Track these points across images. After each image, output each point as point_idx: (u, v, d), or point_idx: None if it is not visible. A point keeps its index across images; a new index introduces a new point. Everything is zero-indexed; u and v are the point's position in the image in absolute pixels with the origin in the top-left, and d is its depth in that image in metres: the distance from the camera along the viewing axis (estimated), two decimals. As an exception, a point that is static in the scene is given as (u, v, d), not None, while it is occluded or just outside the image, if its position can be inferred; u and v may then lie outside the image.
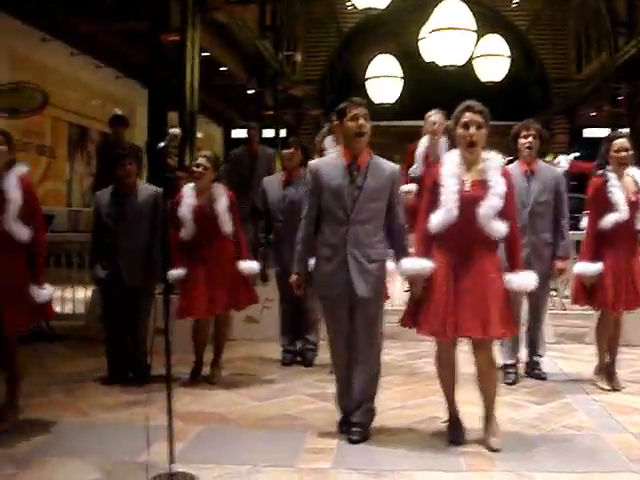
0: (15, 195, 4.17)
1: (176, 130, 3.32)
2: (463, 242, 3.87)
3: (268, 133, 18.77)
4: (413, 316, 3.99)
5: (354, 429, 4.10)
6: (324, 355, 5.41)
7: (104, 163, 7.77)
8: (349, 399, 4.19)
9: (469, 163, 3.93)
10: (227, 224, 5.31)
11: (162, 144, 3.28)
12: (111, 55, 16.65)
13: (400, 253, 4.15)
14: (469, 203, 3.82)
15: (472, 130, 3.87)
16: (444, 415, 4.20)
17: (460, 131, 3.92)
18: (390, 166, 4.20)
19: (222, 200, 5.33)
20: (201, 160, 5.36)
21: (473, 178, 3.89)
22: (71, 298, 8.02)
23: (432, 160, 7.00)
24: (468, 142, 3.88)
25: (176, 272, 5.21)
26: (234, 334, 6.66)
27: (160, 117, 9.55)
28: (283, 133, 19.33)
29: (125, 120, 8.03)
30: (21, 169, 4.31)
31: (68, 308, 7.82)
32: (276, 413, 4.67)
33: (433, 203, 3.91)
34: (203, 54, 12.42)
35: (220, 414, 4.65)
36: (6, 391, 4.42)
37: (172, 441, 3.37)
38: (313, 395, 5.09)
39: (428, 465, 3.72)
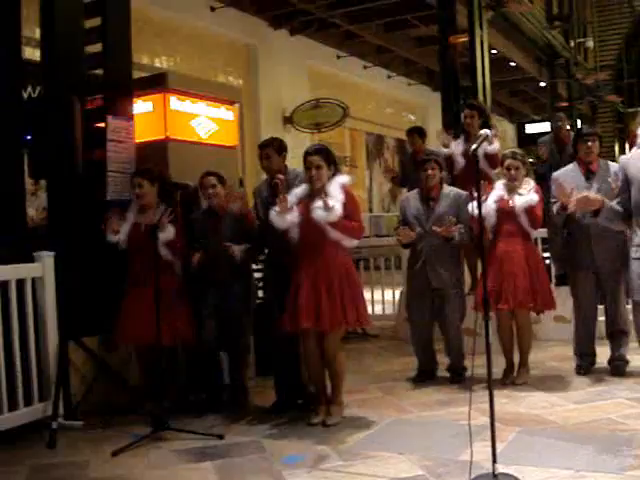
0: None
1: (487, 130, 3.35)
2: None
3: (564, 125, 18.09)
4: None
5: None
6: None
7: (406, 171, 8.12)
8: None
9: None
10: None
11: (474, 146, 3.33)
12: (401, 64, 17.19)
13: None
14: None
15: None
16: None
17: None
18: None
19: (527, 197, 5.27)
20: (512, 162, 5.33)
21: None
22: (380, 299, 8.40)
23: None
24: None
25: None
26: (545, 334, 6.52)
27: (454, 119, 9.62)
28: (578, 124, 18.62)
29: (422, 131, 8.16)
30: (343, 179, 4.63)
31: (378, 309, 8.16)
32: (597, 416, 4.47)
33: None
34: (492, 52, 12.37)
35: (538, 416, 4.56)
36: (331, 388, 4.72)
37: (494, 441, 3.36)
38: (635, 399, 4.79)
39: None
